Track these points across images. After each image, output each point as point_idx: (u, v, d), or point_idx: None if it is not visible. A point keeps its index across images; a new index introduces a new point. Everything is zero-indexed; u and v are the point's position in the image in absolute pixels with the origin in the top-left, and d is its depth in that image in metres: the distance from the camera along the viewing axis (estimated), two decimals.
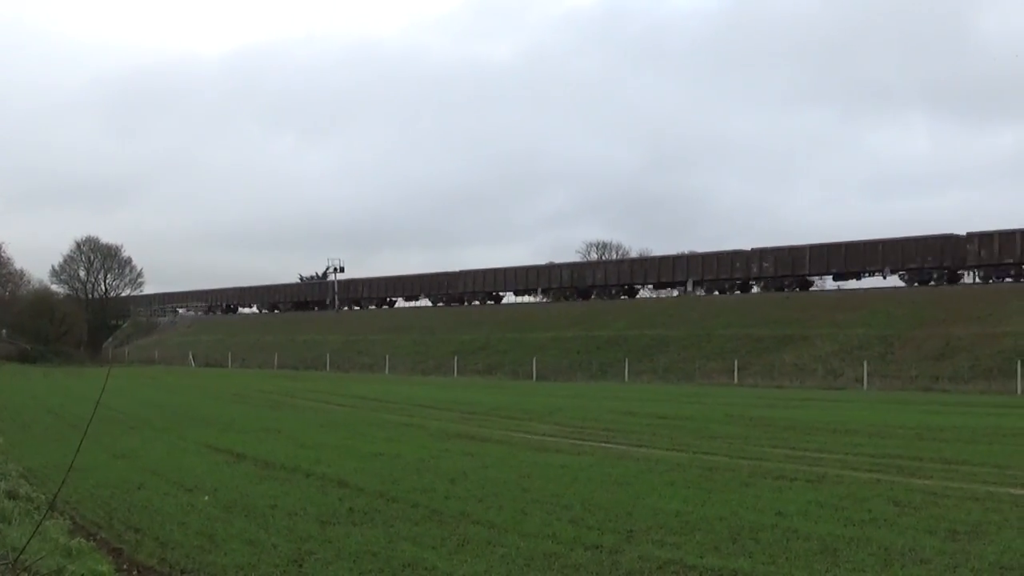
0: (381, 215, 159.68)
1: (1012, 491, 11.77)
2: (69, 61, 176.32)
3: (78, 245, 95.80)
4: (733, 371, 44.84)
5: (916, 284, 52.93)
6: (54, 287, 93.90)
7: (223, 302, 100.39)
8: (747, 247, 62.10)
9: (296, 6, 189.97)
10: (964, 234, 51.89)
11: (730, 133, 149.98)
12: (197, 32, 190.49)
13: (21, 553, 6.58)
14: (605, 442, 18.01)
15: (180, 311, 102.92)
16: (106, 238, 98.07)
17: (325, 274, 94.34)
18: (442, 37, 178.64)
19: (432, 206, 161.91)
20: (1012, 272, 49.95)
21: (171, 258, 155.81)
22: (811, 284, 61.10)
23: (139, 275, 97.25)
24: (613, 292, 68.09)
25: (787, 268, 59.05)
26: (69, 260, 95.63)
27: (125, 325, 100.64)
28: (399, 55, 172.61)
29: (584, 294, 69.98)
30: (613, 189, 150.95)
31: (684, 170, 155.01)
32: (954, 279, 52.42)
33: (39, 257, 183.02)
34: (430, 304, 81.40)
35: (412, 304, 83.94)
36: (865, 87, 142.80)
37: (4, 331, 78.96)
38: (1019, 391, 34.79)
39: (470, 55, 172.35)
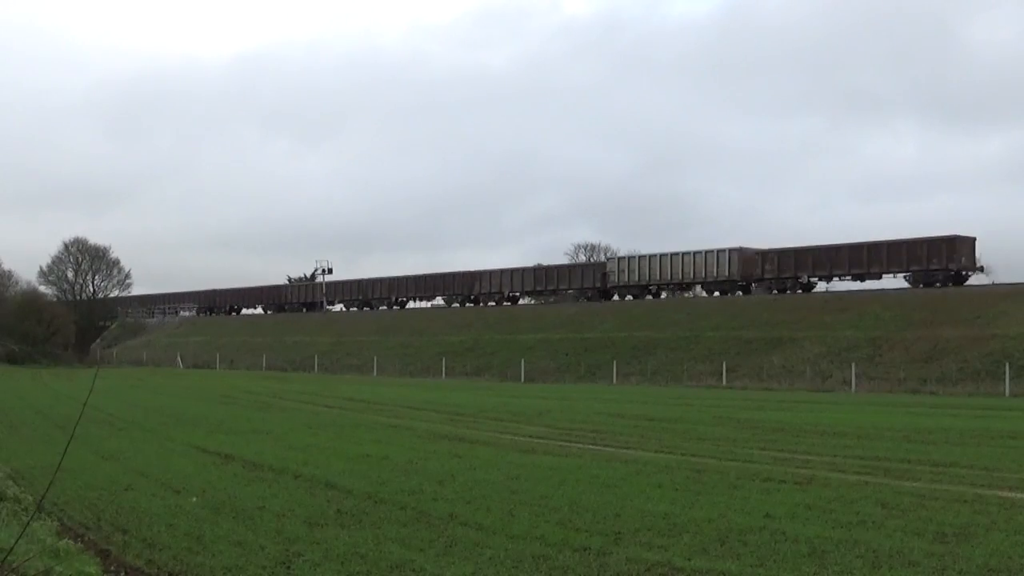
0: (374, 218, 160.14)
1: (1000, 493, 11.82)
2: (71, 65, 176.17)
3: (66, 246, 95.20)
4: (721, 373, 44.92)
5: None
6: (42, 288, 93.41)
7: (208, 304, 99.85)
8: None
9: (297, 12, 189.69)
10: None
11: (722, 139, 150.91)
12: (198, 37, 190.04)
13: (8, 554, 6.55)
14: (593, 444, 18.03)
15: (156, 317, 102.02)
16: (100, 240, 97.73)
17: (313, 275, 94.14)
18: (441, 45, 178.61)
19: (425, 209, 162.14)
20: (789, 284, 56.64)
21: (164, 260, 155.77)
22: (659, 295, 65.39)
23: (127, 276, 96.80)
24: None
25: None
26: (57, 261, 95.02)
27: (113, 326, 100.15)
28: (398, 62, 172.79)
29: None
30: (605, 193, 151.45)
31: (676, 175, 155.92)
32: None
33: (30, 258, 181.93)
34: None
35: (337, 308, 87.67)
36: (854, 94, 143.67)
37: None
38: (1007, 393, 34.94)
39: (468, 62, 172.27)
